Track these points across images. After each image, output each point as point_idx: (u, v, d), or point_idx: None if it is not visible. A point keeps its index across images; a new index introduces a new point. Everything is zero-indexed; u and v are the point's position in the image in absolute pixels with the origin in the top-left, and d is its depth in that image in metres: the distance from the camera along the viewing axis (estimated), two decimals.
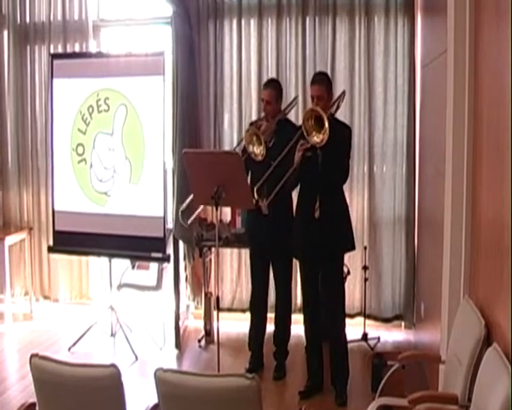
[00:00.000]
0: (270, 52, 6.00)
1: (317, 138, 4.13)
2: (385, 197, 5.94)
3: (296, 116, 5.69)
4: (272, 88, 4.78)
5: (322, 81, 4.43)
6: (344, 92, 4.72)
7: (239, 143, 4.79)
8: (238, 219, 5.70)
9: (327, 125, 4.03)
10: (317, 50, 5.92)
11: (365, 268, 5.59)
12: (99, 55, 6.00)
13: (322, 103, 4.30)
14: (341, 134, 4.36)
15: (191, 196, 4.51)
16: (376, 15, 5.83)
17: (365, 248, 5.62)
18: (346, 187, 4.58)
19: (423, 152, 5.49)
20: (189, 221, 4.76)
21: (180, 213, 4.70)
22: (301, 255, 4.64)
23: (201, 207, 4.75)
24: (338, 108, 4.59)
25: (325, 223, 4.38)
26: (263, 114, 4.84)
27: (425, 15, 5.48)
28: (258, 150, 4.43)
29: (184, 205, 4.65)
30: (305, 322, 4.72)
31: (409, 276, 5.92)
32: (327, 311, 4.54)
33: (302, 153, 4.24)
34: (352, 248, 4.62)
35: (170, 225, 5.56)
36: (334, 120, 4.39)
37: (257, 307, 5.07)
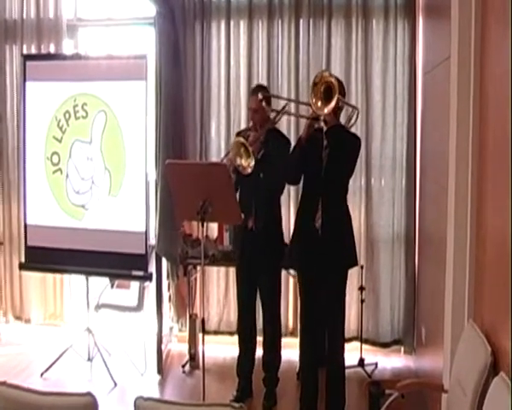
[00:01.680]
0: (260, 56, 6.01)
1: (321, 104, 4.10)
2: (383, 213, 5.95)
3: (287, 126, 5.84)
4: (259, 94, 4.77)
5: (339, 80, 4.36)
6: (356, 109, 4.63)
7: (226, 155, 4.77)
8: (225, 236, 5.68)
9: (336, 96, 4.01)
10: (311, 55, 5.94)
11: (362, 289, 5.57)
12: (76, 57, 5.98)
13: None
14: (350, 147, 4.41)
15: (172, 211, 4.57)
16: (375, 18, 5.86)
17: (362, 267, 5.56)
18: None
19: (424, 165, 5.50)
20: (172, 235, 4.87)
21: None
22: (300, 268, 4.66)
23: (183, 222, 4.79)
24: (351, 126, 4.56)
25: (327, 234, 4.40)
26: (251, 124, 4.85)
27: (427, 18, 5.51)
28: (246, 163, 4.43)
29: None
30: (303, 345, 4.72)
31: (409, 297, 5.91)
32: (327, 332, 4.54)
33: (309, 124, 4.26)
34: (355, 264, 4.64)
35: (152, 240, 5.56)
36: (345, 132, 4.42)
37: (244, 330, 5.07)
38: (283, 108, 4.86)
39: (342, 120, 4.63)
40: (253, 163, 4.39)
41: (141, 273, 5.47)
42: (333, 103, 4.03)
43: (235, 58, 6.03)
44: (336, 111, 4.35)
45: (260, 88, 4.96)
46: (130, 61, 5.47)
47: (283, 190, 4.91)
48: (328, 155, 4.32)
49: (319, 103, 4.09)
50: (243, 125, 5.88)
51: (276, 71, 6.01)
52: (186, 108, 6.01)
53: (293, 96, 5.92)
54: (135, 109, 5.42)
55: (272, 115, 4.77)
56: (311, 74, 5.84)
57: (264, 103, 4.70)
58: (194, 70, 6.02)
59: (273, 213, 4.86)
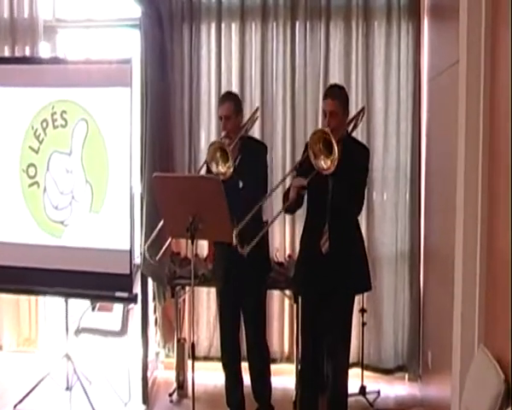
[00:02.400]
0: (253, 61, 6.03)
1: (324, 163, 4.16)
2: (385, 229, 5.96)
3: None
4: (230, 101, 4.85)
5: (337, 95, 4.48)
6: (363, 109, 4.79)
7: (202, 167, 4.83)
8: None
9: (336, 153, 4.06)
10: (308, 60, 5.95)
11: (363, 311, 5.60)
12: (54, 60, 5.97)
13: (335, 121, 4.35)
14: (357, 157, 4.42)
15: (159, 226, 4.54)
16: (376, 20, 5.89)
17: None
18: None
19: (430, 177, 5.53)
20: (158, 257, 4.78)
21: (146, 250, 4.75)
22: (302, 292, 4.72)
23: (170, 239, 4.77)
24: (356, 126, 4.66)
25: (335, 260, 4.42)
26: (222, 134, 4.84)
27: (433, 20, 5.54)
28: (224, 168, 4.48)
29: (149, 241, 4.69)
30: (301, 372, 4.75)
31: (413, 320, 5.92)
32: (329, 360, 4.55)
33: (297, 191, 4.29)
34: (369, 288, 4.69)
35: (137, 259, 5.57)
36: (350, 140, 4.47)
37: (228, 356, 5.10)
38: (254, 112, 4.99)
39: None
40: (232, 167, 4.44)
41: (125, 295, 5.45)
42: (335, 152, 4.07)
43: (226, 63, 6.03)
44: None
45: (230, 95, 5.04)
46: (113, 66, 5.46)
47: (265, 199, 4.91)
48: (335, 180, 4.34)
49: (322, 162, 4.16)
50: None
51: (271, 77, 6.02)
52: (174, 117, 6.01)
53: (288, 104, 5.99)
54: (118, 118, 5.40)
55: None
56: (308, 81, 5.94)
57: (235, 110, 4.80)
58: (182, 76, 6.02)
59: (257, 229, 4.76)
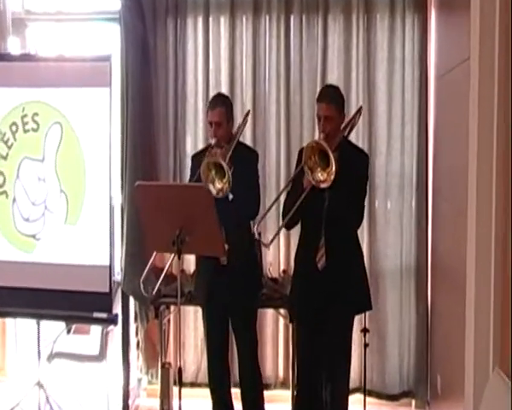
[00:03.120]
0: (244, 59, 6.02)
1: (321, 175, 4.19)
2: (389, 241, 5.96)
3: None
4: (222, 106, 4.85)
5: (332, 98, 4.49)
6: (360, 109, 4.81)
7: (194, 178, 4.79)
8: None
9: (333, 165, 4.08)
10: (305, 57, 5.96)
11: (365, 331, 5.38)
12: (25, 57, 5.93)
13: (330, 126, 4.37)
14: (356, 164, 4.42)
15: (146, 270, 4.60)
16: (379, 13, 5.89)
17: None
18: None
19: (438, 184, 5.56)
20: (142, 277, 4.82)
21: (142, 286, 4.91)
22: (297, 311, 4.71)
23: (154, 254, 4.74)
24: (352, 128, 4.67)
25: (332, 276, 4.43)
26: (212, 141, 4.85)
27: (441, 12, 5.54)
28: (220, 185, 4.50)
29: (144, 274, 4.74)
30: (297, 401, 4.76)
31: (420, 341, 5.92)
32: (327, 385, 4.54)
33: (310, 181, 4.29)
34: (368, 307, 4.69)
35: (117, 276, 5.59)
36: (347, 145, 4.47)
37: (215, 381, 5.12)
38: (245, 116, 5.04)
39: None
40: (228, 183, 4.46)
41: (104, 315, 5.44)
42: (333, 165, 4.09)
43: (214, 61, 6.02)
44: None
45: (221, 98, 5.01)
46: (90, 64, 5.46)
47: (258, 213, 4.90)
48: (331, 190, 4.34)
49: (319, 174, 4.20)
50: None
51: (264, 76, 6.02)
52: (157, 120, 6.02)
53: (282, 105, 5.99)
54: (97, 121, 5.40)
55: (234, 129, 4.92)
56: (304, 79, 5.93)
57: (227, 116, 4.84)
58: (166, 75, 6.02)
59: (248, 243, 4.93)
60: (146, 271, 4.76)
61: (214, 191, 4.45)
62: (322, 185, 4.19)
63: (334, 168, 4.07)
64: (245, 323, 4.97)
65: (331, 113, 4.40)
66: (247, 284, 4.86)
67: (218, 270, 4.73)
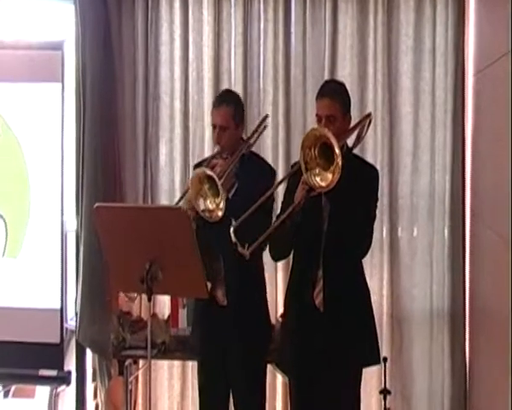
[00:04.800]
0: (233, 49, 5.95)
1: (320, 180, 4.02)
2: (416, 277, 5.86)
3: (274, 144, 5.85)
4: (229, 105, 4.71)
5: (336, 94, 4.39)
6: (369, 116, 4.65)
7: (183, 196, 4.68)
8: (181, 314, 5.67)
9: (339, 159, 3.90)
10: (309, 46, 5.88)
11: (385, 392, 5.31)
12: None
13: (334, 129, 4.21)
14: (363, 179, 4.34)
15: None
16: None
17: (385, 360, 5.29)
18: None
19: (478, 206, 5.53)
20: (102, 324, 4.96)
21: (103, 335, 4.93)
22: (292, 368, 4.60)
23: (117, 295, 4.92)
24: (360, 140, 4.54)
25: (332, 315, 4.32)
26: (216, 149, 4.76)
27: None
28: (212, 205, 4.32)
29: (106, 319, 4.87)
30: None
31: (456, 404, 5.81)
32: None
33: (306, 191, 4.13)
34: (375, 361, 4.57)
35: (71, 322, 5.57)
36: (352, 158, 4.39)
37: None
38: (262, 121, 4.90)
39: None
40: (223, 204, 4.26)
41: (53, 373, 5.43)
42: (338, 159, 3.90)
43: (195, 51, 5.95)
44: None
45: (229, 95, 4.91)
46: (37, 53, 5.44)
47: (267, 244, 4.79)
48: (333, 209, 4.29)
49: (318, 178, 4.02)
50: (208, 150, 5.83)
51: (257, 70, 5.96)
52: (123, 126, 5.96)
53: (281, 106, 5.90)
54: (45, 126, 5.43)
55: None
56: (307, 76, 5.86)
57: (235, 118, 4.70)
58: (134, 68, 5.97)
59: (253, 280, 4.74)
60: (108, 316, 4.99)
61: (207, 214, 4.31)
62: (322, 190, 4.05)
63: (340, 165, 3.91)
64: (249, 384, 4.79)
65: (335, 111, 4.30)
66: (252, 332, 4.68)
67: (215, 313, 4.63)
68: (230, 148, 4.64)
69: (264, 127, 4.95)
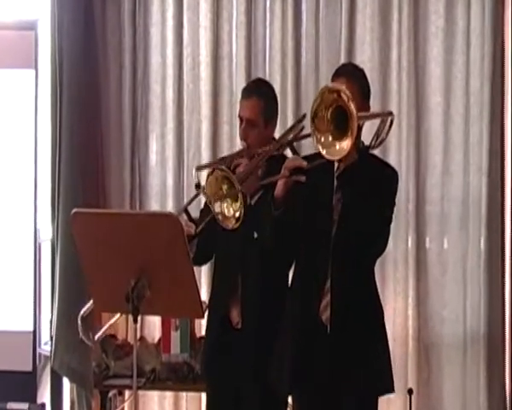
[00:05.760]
0: (234, 31, 5.96)
1: (328, 141, 3.91)
2: (447, 296, 5.80)
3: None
4: (260, 97, 4.58)
5: (354, 76, 4.26)
6: (391, 115, 4.49)
7: (194, 199, 4.52)
8: (174, 338, 5.62)
9: (355, 124, 3.77)
10: (322, 28, 5.86)
11: None
12: None
13: None
14: (379, 179, 4.22)
15: (90, 303, 4.43)
16: None
17: (410, 391, 5.36)
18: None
19: None
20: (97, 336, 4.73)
21: (80, 324, 4.61)
22: (298, 391, 4.40)
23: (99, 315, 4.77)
24: (378, 140, 4.39)
25: (341, 333, 4.16)
26: (242, 145, 4.64)
27: None
28: (230, 210, 4.15)
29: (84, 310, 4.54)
30: None
31: None
32: None
33: (288, 176, 4.05)
34: (388, 388, 4.37)
35: (45, 346, 5.62)
36: (368, 158, 4.31)
37: None
38: (299, 121, 4.71)
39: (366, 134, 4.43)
40: (240, 213, 4.10)
41: (24, 407, 5.46)
42: (353, 123, 3.80)
43: (190, 33, 5.95)
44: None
45: (261, 85, 4.79)
46: (6, 35, 5.47)
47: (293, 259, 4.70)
48: (343, 202, 4.19)
49: (329, 139, 3.90)
50: (206, 146, 5.83)
51: (262, 55, 5.96)
52: (107, 119, 5.97)
53: (290, 100, 5.85)
54: (16, 120, 5.51)
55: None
56: (320, 62, 5.84)
57: (265, 113, 4.60)
58: (120, 54, 5.99)
59: (274, 300, 4.62)
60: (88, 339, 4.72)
61: (220, 217, 4.16)
62: (335, 158, 3.98)
63: (355, 133, 3.80)
64: None
65: (352, 92, 4.03)
66: (271, 355, 4.49)
67: (227, 336, 4.49)
68: (257, 145, 4.52)
69: (302, 128, 4.71)
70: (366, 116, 4.39)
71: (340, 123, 3.88)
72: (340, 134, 3.88)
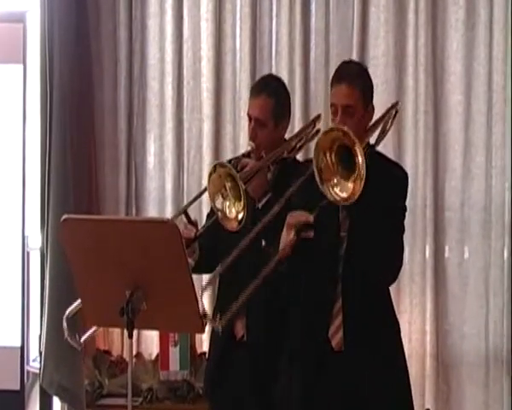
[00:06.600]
0: (238, 23, 6.00)
1: (341, 191, 3.90)
2: (467, 311, 5.81)
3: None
4: (270, 95, 4.56)
5: (356, 78, 4.24)
6: (396, 106, 4.55)
7: (200, 195, 4.63)
8: (172, 354, 5.68)
9: (362, 166, 3.79)
10: (332, 20, 5.90)
11: None
12: None
13: (352, 121, 4.12)
14: (390, 184, 4.22)
15: (77, 303, 4.34)
16: None
17: None
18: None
19: None
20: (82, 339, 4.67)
21: (66, 325, 4.54)
22: None
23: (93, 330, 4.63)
24: (384, 134, 4.43)
25: (354, 359, 4.13)
26: (249, 146, 4.60)
27: None
28: (232, 211, 4.20)
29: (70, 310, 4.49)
30: None
31: None
32: None
33: (293, 241, 4.01)
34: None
35: (34, 363, 5.68)
36: (375, 157, 4.26)
37: None
38: (313, 121, 4.76)
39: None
40: (243, 215, 4.14)
41: None
42: (360, 164, 3.79)
43: (191, 26, 6.00)
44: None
45: (271, 82, 4.74)
46: None
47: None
48: (353, 224, 4.16)
49: (337, 189, 3.92)
50: (207, 148, 5.86)
51: (268, 50, 6.01)
52: (101, 117, 6.01)
53: (298, 98, 5.88)
54: (2, 119, 5.53)
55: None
56: (331, 57, 5.87)
57: (275, 112, 4.58)
58: (115, 48, 6.04)
59: (281, 313, 4.65)
60: (80, 355, 5.07)
61: (219, 207, 4.22)
62: (344, 203, 3.94)
63: (363, 172, 3.79)
64: None
65: (353, 100, 4.15)
66: (279, 373, 4.50)
67: (232, 351, 4.50)
68: (268, 147, 4.52)
69: (317, 131, 4.72)
70: (374, 127, 4.35)
71: (346, 156, 3.89)
72: (347, 171, 3.89)
